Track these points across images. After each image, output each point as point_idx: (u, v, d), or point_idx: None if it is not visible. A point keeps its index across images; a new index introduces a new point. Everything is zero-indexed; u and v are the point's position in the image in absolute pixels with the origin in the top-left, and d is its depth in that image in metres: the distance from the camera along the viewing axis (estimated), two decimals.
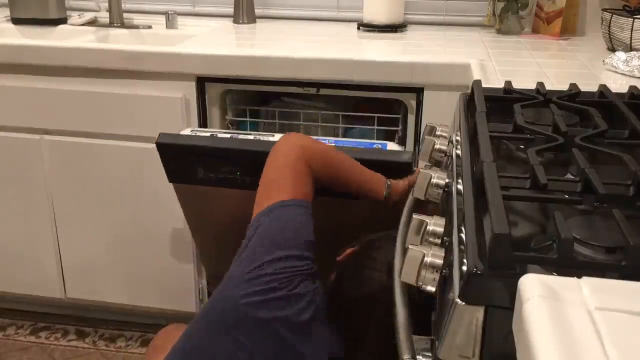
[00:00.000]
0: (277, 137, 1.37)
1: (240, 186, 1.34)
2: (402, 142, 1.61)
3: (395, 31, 1.85)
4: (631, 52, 1.40)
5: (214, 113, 1.63)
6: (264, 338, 0.97)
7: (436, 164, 1.03)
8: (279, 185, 1.09)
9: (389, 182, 1.20)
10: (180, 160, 1.37)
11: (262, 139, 1.38)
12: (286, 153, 1.12)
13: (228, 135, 1.41)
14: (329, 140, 1.37)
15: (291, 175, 1.09)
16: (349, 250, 1.13)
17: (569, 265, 0.56)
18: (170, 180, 1.41)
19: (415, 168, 1.28)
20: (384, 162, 1.26)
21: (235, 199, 1.38)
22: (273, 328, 0.96)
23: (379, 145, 1.35)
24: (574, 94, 1.09)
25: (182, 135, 1.41)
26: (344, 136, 1.69)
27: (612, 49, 1.57)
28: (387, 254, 1.03)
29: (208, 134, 1.41)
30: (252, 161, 1.28)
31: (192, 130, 1.45)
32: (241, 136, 1.41)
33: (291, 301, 0.98)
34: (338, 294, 1.07)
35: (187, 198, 1.44)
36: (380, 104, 1.64)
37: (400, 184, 1.21)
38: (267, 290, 0.97)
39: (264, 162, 1.20)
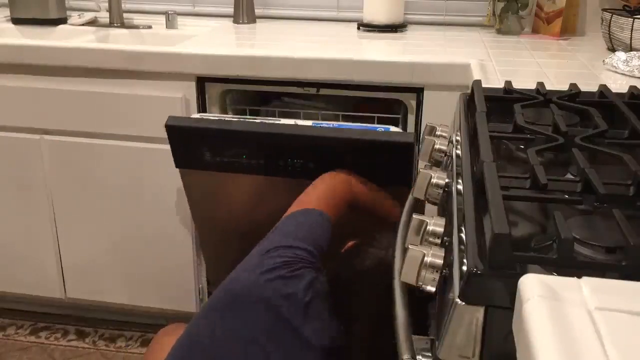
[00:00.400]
0: (283, 121, 1.41)
1: (246, 170, 1.36)
2: None
3: (395, 31, 1.85)
4: (631, 52, 1.40)
5: (214, 113, 1.62)
6: (267, 318, 1.01)
7: (436, 164, 1.03)
8: (311, 199, 1.20)
9: None
10: (188, 142, 1.38)
11: (268, 122, 1.41)
12: (334, 178, 1.25)
13: (236, 119, 1.44)
14: (333, 124, 1.38)
15: (329, 196, 1.22)
16: (351, 243, 1.15)
17: (569, 265, 0.56)
18: (177, 164, 1.43)
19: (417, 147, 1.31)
20: (386, 143, 1.28)
21: (240, 185, 1.41)
22: (275, 306, 1.01)
23: (382, 129, 1.37)
24: (574, 94, 1.09)
25: (191, 117, 1.44)
26: None
27: (612, 49, 1.57)
28: (388, 238, 1.06)
29: (216, 118, 1.44)
30: (258, 143, 1.31)
31: (200, 115, 1.49)
32: (248, 120, 1.44)
33: (292, 281, 1.04)
34: (337, 275, 1.11)
35: (193, 184, 1.46)
36: (380, 104, 1.64)
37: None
38: (271, 270, 1.04)
39: (269, 145, 1.30)
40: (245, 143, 1.34)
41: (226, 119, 1.44)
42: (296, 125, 1.37)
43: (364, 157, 1.30)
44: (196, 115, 1.49)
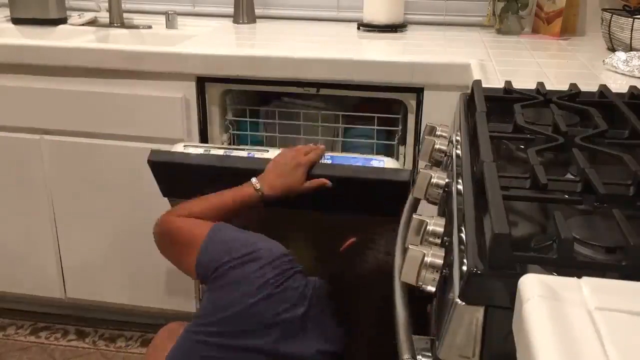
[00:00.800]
0: (271, 152, 1.38)
1: None
2: (402, 142, 1.61)
3: (395, 31, 1.85)
4: (631, 52, 1.40)
5: (214, 113, 1.63)
6: (269, 334, 1.04)
7: (436, 164, 1.03)
8: (194, 230, 1.18)
9: (255, 179, 1.25)
10: (172, 177, 1.39)
11: (255, 155, 1.39)
12: (168, 221, 1.24)
13: (221, 152, 1.41)
14: (326, 156, 1.36)
15: (192, 222, 1.20)
16: (350, 241, 1.15)
17: (569, 265, 0.56)
18: (164, 195, 1.43)
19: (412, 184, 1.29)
20: (381, 182, 1.27)
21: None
22: (274, 324, 1.03)
23: (377, 161, 1.35)
24: (574, 94, 1.09)
25: (174, 152, 1.42)
26: (344, 136, 1.69)
27: (612, 49, 1.57)
28: (387, 240, 1.06)
29: (201, 150, 1.42)
30: (244, 178, 1.28)
31: (184, 146, 1.45)
32: (234, 152, 1.41)
33: (283, 294, 1.05)
34: (339, 279, 1.10)
35: None
36: (380, 104, 1.64)
37: (270, 172, 1.26)
38: (261, 289, 1.05)
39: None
40: (230, 178, 1.31)
41: (211, 152, 1.41)
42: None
43: (357, 193, 1.28)
44: (179, 147, 1.45)
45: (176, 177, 1.38)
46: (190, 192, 1.34)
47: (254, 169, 1.30)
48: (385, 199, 1.27)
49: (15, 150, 1.72)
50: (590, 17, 1.86)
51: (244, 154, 1.40)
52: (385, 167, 1.34)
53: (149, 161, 1.37)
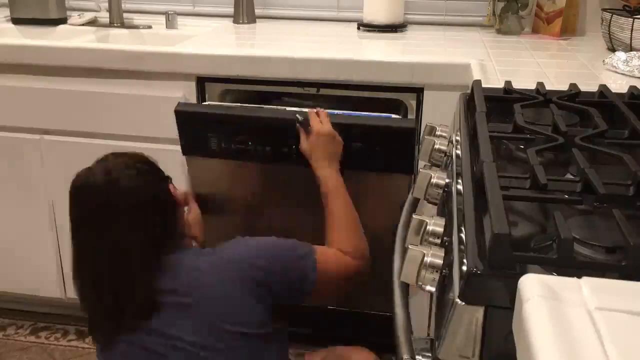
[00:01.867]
0: (288, 108, 1.45)
1: (251, 158, 1.40)
2: None
3: (395, 31, 1.85)
4: (631, 52, 1.40)
5: None
6: None
7: (436, 164, 1.03)
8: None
9: (324, 165, 1.30)
10: (196, 128, 1.42)
11: (273, 108, 1.47)
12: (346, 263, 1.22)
13: (242, 106, 1.49)
14: (337, 112, 1.42)
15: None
16: None
17: (569, 265, 0.56)
18: (184, 151, 1.46)
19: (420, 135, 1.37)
20: (388, 129, 1.33)
21: (244, 174, 1.45)
22: None
23: (384, 116, 1.41)
24: (574, 94, 1.09)
25: (199, 104, 1.51)
26: None
27: (612, 49, 1.57)
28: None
29: (224, 104, 1.50)
30: (265, 129, 1.35)
31: (208, 104, 1.53)
32: (254, 106, 1.49)
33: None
34: None
35: (198, 172, 1.49)
36: (380, 104, 1.63)
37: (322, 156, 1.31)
38: None
39: (275, 131, 1.36)
40: (252, 129, 1.38)
41: (233, 105, 1.49)
42: (301, 112, 1.40)
43: (367, 143, 1.34)
44: (204, 104, 1.53)
45: (199, 129, 1.41)
46: (211, 148, 1.40)
47: (276, 117, 1.37)
48: (393, 149, 1.33)
49: (15, 150, 1.72)
50: (590, 17, 1.86)
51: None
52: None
53: (175, 111, 1.40)
